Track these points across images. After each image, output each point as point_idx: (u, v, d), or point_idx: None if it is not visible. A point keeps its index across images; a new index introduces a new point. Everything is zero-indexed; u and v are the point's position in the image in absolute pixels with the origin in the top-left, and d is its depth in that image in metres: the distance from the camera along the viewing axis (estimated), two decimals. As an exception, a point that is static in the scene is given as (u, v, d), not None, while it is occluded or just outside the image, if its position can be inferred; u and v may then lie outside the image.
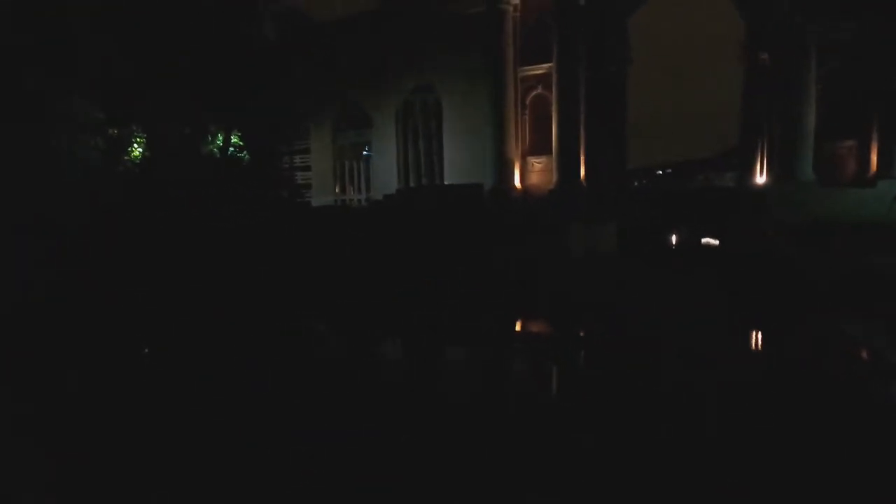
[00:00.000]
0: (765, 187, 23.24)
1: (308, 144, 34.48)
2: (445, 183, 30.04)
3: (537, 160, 27.87)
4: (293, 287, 13.70)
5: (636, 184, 41.66)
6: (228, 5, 17.91)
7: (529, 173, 28.14)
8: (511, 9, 27.03)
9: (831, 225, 16.59)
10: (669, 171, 56.21)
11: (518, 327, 11.49)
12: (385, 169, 32.16)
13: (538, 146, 27.70)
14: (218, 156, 20.35)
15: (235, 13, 18.16)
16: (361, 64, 30.89)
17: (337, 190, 34.50)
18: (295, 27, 26.88)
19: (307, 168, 34.78)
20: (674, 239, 24.58)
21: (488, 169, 27.88)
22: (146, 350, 9.39)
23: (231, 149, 21.94)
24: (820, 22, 20.83)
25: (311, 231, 17.93)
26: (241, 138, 22.61)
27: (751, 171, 25.19)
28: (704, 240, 23.28)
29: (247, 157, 22.44)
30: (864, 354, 9.24)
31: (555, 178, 26.65)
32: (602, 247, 20.05)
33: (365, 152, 33.74)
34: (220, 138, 20.70)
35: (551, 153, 26.92)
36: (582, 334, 10.93)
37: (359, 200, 33.51)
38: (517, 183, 27.99)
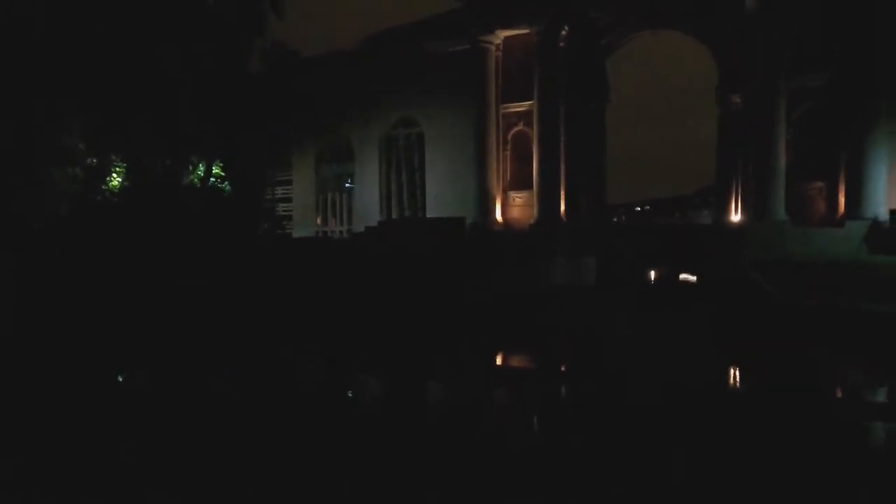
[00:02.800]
0: (740, 225, 23.78)
1: (290, 176, 34.50)
2: (428, 216, 30.17)
3: (518, 195, 28.20)
4: (269, 322, 13.46)
5: (615, 219, 42.34)
6: (215, 40, 18.08)
7: (511, 208, 28.42)
8: (494, 48, 27.73)
9: (804, 264, 16.97)
10: (648, 207, 57.37)
11: (499, 362, 11.42)
12: (367, 201, 32.25)
13: (519, 181, 28.08)
14: (199, 186, 20.21)
15: (222, 48, 18.32)
16: (345, 97, 31.26)
17: (318, 221, 34.41)
18: (281, 61, 27.20)
19: (289, 199, 34.72)
20: (652, 274, 24.89)
21: (470, 203, 28.10)
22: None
23: (212, 179, 21.83)
24: (791, 70, 21.74)
25: (292, 264, 17.77)
26: (222, 169, 22.56)
27: (726, 210, 25.79)
28: (682, 276, 23.64)
29: (228, 188, 22.34)
30: (841, 394, 9.36)
31: (536, 212, 26.96)
32: (582, 281, 20.20)
33: (347, 184, 33.84)
34: (202, 169, 20.60)
35: (532, 188, 27.29)
36: (563, 372, 10.89)
37: (340, 232, 33.42)
38: (499, 217, 28.24)
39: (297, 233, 32.09)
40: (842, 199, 21.83)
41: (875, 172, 20.96)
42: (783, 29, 21.65)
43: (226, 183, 22.65)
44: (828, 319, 12.28)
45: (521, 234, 26.40)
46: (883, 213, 20.35)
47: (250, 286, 14.84)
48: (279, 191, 34.20)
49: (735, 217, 25.10)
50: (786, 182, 22.12)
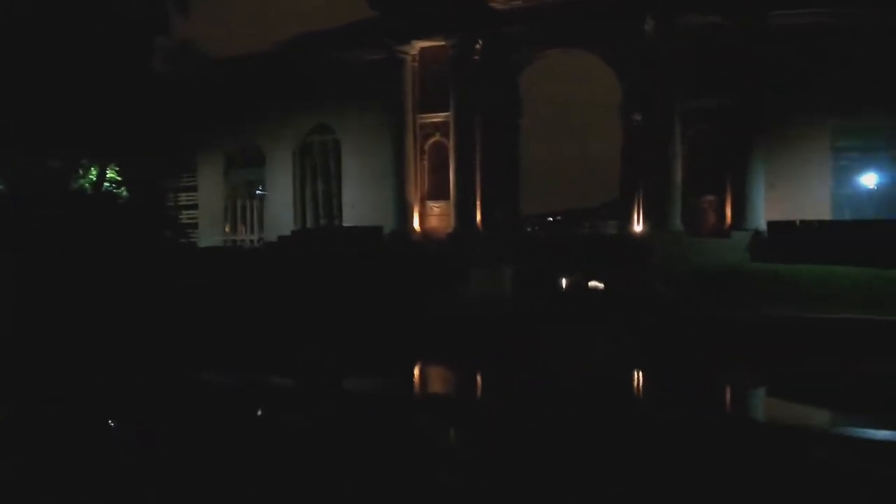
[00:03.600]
0: (642, 235, 25.31)
1: (196, 181, 32.71)
2: (344, 225, 29.66)
3: (436, 204, 28.39)
4: (164, 344, 12.57)
5: (529, 229, 43.70)
6: (110, 35, 16.75)
7: (428, 217, 28.55)
8: (410, 58, 27.83)
9: (698, 270, 18.29)
10: (559, 217, 59.98)
11: (417, 375, 11.33)
12: (281, 209, 31.20)
13: (437, 191, 28.28)
14: (90, 192, 18.60)
15: (118, 43, 17.01)
16: (258, 101, 30.14)
17: (227, 230, 32.83)
18: (188, 62, 25.80)
19: (194, 206, 32.88)
20: (564, 282, 25.86)
21: (388, 212, 27.96)
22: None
23: (107, 184, 20.21)
24: (684, 93, 23.58)
25: (196, 276, 16.73)
26: (119, 173, 20.95)
27: (630, 221, 27.36)
28: (592, 283, 24.79)
29: (125, 193, 20.75)
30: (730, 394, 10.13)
31: (453, 222, 27.26)
32: (497, 290, 20.60)
33: (259, 191, 32.58)
34: (94, 173, 18.99)
35: (449, 198, 27.58)
36: (479, 383, 11.00)
37: (251, 241, 32.08)
38: (416, 226, 28.26)
39: (204, 242, 30.43)
40: (729, 212, 23.87)
41: (756, 188, 23.24)
42: (680, 55, 23.42)
43: (122, 188, 21.05)
44: (716, 323, 13.34)
45: (439, 243, 26.57)
46: (762, 225, 22.51)
47: (146, 301, 13.82)
48: (183, 197, 32.33)
49: (638, 227, 26.64)
50: (682, 195, 23.88)
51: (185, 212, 32.00)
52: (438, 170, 28.13)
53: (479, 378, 11.24)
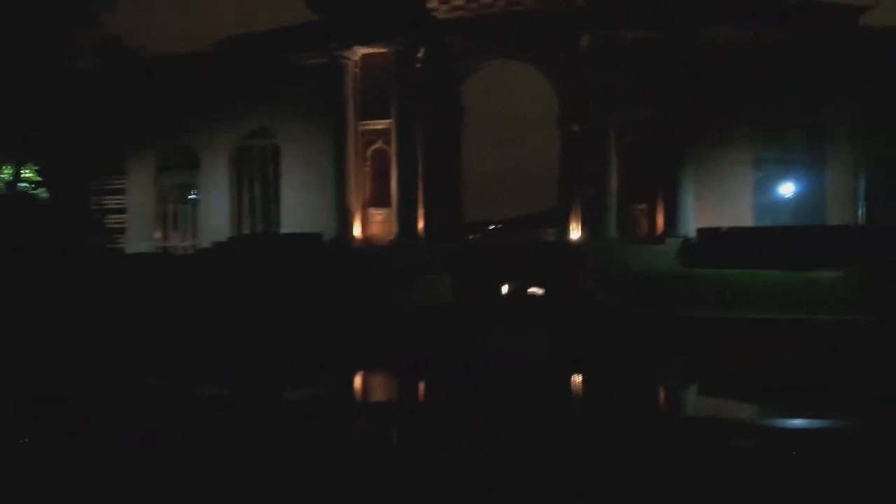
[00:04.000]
0: (580, 242, 26.05)
1: (125, 184, 31.01)
2: (283, 231, 28.90)
3: (378, 211, 28.15)
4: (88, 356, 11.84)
5: (471, 237, 44.12)
6: (28, 26, 15.68)
7: (370, 224, 28.25)
8: (352, 64, 27.60)
9: (633, 275, 19.00)
10: (500, 225, 61.06)
11: (359, 383, 11.16)
12: (216, 214, 30.04)
13: (379, 198, 28.06)
14: (5, 192, 17.27)
15: (37, 36, 15.92)
16: (193, 102, 29.00)
17: (158, 235, 31.28)
18: (117, 58, 24.50)
19: (122, 210, 31.14)
20: (504, 289, 26.24)
21: (329, 218, 27.46)
22: None
23: (23, 184, 18.83)
24: (618, 105, 24.53)
25: (122, 284, 15.83)
26: (39, 173, 19.57)
27: (567, 228, 28.10)
28: (531, 289, 25.30)
29: (44, 194, 19.40)
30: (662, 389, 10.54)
31: (395, 229, 27.11)
32: (439, 297, 20.61)
33: (193, 195, 31.25)
34: (8, 172, 17.66)
35: (391, 205, 27.42)
36: (423, 388, 10.95)
37: (184, 248, 30.69)
38: (358, 233, 27.91)
39: (132, 248, 28.87)
40: (661, 220, 24.94)
41: (685, 197, 24.45)
42: (615, 69, 24.36)
43: (42, 189, 19.67)
44: (650, 325, 13.91)
45: (381, 250, 26.34)
46: (692, 232, 23.64)
47: (65, 310, 12.96)
48: (111, 200, 30.55)
49: (575, 235, 27.40)
50: (616, 203, 24.77)
51: (112, 216, 30.27)
52: (380, 177, 27.93)
53: (420, 386, 11.20)
